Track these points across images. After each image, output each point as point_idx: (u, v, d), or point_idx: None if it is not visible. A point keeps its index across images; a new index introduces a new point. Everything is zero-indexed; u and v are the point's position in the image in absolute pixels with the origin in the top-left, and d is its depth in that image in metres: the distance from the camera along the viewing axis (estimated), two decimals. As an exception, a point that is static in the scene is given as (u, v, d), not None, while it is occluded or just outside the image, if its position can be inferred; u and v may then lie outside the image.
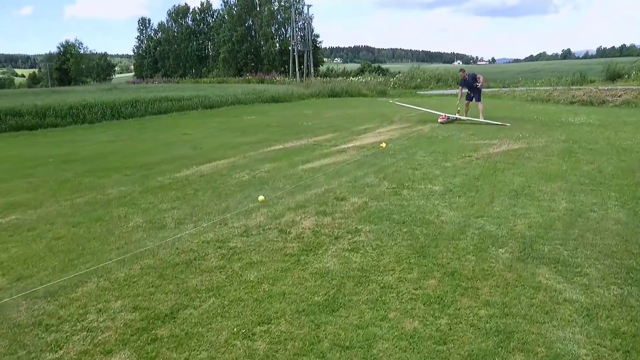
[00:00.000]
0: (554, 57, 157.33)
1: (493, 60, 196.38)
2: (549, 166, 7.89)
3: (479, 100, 14.99)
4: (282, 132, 13.01)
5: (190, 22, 75.82)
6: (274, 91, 27.97)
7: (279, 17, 62.43)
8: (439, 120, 14.36)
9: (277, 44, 62.57)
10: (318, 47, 64.24)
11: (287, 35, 57.62)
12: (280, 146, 10.65)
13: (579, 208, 5.60)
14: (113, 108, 18.98)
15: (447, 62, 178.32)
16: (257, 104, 24.94)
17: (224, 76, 59.39)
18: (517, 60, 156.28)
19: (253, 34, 67.21)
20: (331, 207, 5.82)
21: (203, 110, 21.27)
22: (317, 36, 63.88)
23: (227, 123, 16.03)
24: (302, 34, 52.03)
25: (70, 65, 71.49)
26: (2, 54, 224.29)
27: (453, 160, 8.60)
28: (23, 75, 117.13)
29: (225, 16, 67.66)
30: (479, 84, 14.68)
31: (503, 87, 30.89)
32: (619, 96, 20.06)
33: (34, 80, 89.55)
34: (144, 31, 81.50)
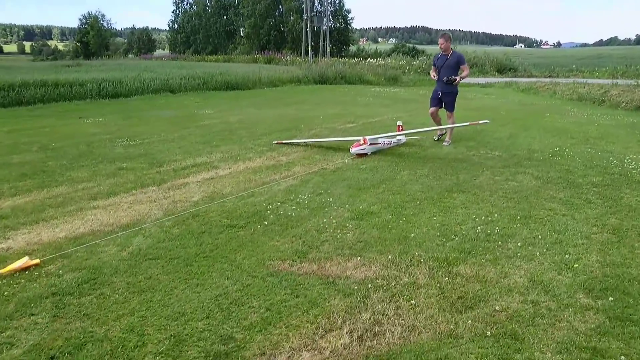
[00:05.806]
0: (626, 42, 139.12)
1: (558, 44, 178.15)
2: None
3: (451, 109, 7.91)
4: None
5: (222, -6, 70.53)
6: (236, 75, 21.20)
7: (307, -11, 55.16)
8: (352, 149, 7.18)
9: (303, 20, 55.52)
10: (349, 24, 56.58)
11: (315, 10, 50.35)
12: None
13: None
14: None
15: (509, 45, 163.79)
16: (193, 91, 18.41)
17: (248, 54, 53.24)
18: (584, 45, 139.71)
19: (280, 7, 60.57)
20: None
21: (90, 102, 15.04)
22: (348, 12, 56.23)
23: (12, 134, 9.42)
24: (319, 8, 44.68)
25: (89, 39, 67.70)
26: (38, 25, 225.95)
27: None
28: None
29: (252, -13, 61.18)
30: (459, 78, 7.57)
31: (549, 76, 22.43)
32: None
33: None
34: (180, 5, 77.38)
